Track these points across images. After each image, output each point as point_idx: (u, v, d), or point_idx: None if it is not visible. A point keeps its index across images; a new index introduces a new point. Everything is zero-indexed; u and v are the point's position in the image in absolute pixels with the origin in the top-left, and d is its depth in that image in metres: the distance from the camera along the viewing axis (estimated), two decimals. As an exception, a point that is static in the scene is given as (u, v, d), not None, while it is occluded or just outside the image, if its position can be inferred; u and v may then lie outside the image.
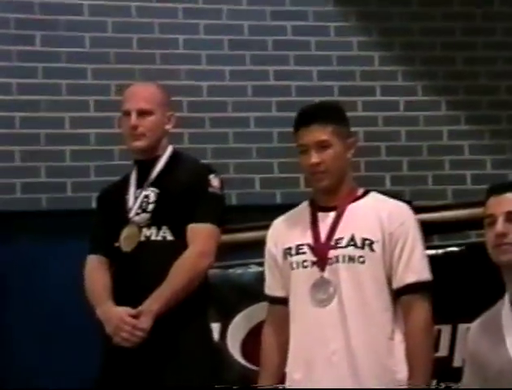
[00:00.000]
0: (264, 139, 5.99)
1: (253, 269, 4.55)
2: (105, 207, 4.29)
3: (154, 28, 6.15)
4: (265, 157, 5.98)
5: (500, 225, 3.37)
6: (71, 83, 5.92)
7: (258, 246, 4.20)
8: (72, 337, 5.34)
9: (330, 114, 3.86)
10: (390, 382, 3.65)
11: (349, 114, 3.81)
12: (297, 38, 6.28)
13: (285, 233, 3.88)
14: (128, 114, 4.15)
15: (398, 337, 3.73)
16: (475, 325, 3.52)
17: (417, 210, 3.80)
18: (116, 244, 4.13)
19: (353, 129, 3.74)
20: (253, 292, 4.41)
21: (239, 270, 4.63)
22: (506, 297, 3.35)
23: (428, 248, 3.83)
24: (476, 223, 3.68)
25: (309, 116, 3.80)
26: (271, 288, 3.92)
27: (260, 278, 4.18)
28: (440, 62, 6.36)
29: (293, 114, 3.80)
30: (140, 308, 3.97)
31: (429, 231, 3.86)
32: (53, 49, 5.90)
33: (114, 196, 4.24)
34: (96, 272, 4.21)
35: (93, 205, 4.38)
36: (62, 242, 4.64)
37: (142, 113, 4.17)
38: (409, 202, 3.94)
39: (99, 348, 4.16)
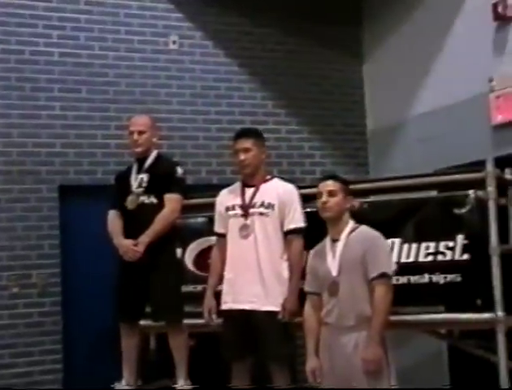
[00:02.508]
0: (207, 148, 5.97)
1: (200, 219, 4.62)
2: (118, 183, 4.71)
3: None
4: (208, 158, 5.95)
5: (324, 197, 3.72)
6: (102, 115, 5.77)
7: (202, 207, 4.68)
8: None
9: (252, 133, 4.18)
10: (280, 280, 3.89)
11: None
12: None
13: (226, 198, 4.23)
14: (132, 133, 4.59)
15: (284, 257, 4.02)
16: (313, 250, 3.94)
17: (299, 187, 3.94)
18: (124, 205, 4.47)
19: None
20: (199, 231, 4.61)
21: (192, 220, 4.82)
22: (328, 236, 3.83)
23: (305, 208, 4.06)
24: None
25: (240, 133, 4.17)
26: (219, 228, 4.23)
27: (204, 225, 4.65)
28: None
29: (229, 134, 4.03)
30: (138, 240, 4.36)
31: (305, 199, 3.98)
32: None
33: (123, 177, 4.66)
34: (114, 219, 4.53)
35: (112, 182, 4.65)
36: (96, 203, 4.59)
37: (140, 132, 4.53)
38: (293, 182, 4.28)
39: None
